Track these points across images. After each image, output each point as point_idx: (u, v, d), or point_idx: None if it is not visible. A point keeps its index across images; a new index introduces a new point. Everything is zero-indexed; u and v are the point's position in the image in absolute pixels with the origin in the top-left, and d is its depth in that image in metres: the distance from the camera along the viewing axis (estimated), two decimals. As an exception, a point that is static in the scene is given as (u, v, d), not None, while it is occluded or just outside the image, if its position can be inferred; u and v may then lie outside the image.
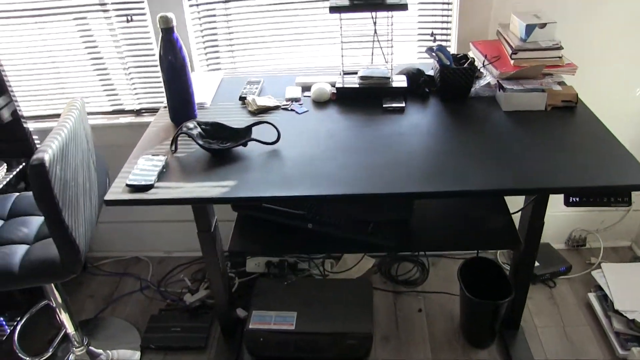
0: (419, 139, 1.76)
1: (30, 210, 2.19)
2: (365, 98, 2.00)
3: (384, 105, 1.94)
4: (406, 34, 2.33)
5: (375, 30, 2.06)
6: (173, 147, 1.78)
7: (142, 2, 2.26)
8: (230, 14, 2.30)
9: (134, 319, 2.55)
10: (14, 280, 1.88)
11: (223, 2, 2.27)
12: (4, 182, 2.32)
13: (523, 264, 2.17)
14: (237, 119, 1.93)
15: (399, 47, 2.30)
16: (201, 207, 1.90)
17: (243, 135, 1.79)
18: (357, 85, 2.01)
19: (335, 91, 2.03)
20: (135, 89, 2.48)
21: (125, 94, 2.50)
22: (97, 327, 2.53)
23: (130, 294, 2.70)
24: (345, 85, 2.02)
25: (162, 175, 1.66)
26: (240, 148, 1.76)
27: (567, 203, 1.66)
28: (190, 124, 1.77)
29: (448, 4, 2.26)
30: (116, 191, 1.63)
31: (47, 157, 1.67)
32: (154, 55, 2.38)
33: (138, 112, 2.53)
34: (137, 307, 2.62)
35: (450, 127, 1.83)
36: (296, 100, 2.02)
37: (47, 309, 2.50)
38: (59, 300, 2.22)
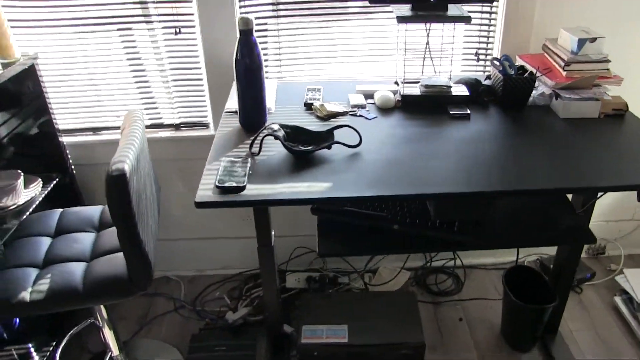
0: (490, 144, 1.83)
1: (79, 227, 2.13)
2: (428, 105, 2.07)
3: (451, 112, 2.00)
4: (449, 49, 2.41)
5: (427, 41, 2.14)
6: (257, 150, 1.77)
7: (192, 14, 2.26)
8: (280, 29, 2.34)
9: (173, 339, 2.48)
10: (79, 299, 1.82)
11: (274, 17, 2.31)
12: (40, 199, 2.23)
13: (567, 268, 2.27)
14: (308, 123, 1.94)
15: (444, 61, 2.39)
16: (264, 219, 1.87)
17: (325, 138, 1.81)
18: (421, 93, 2.07)
19: (399, 98, 2.07)
20: (175, 103, 2.46)
21: (165, 108, 2.48)
22: (135, 349, 2.44)
23: (164, 314, 2.62)
24: (411, 93, 2.07)
25: (249, 177, 1.66)
26: (322, 151, 1.78)
27: (640, 199, 1.75)
28: (274, 126, 1.77)
29: (490, 25, 2.38)
30: (205, 193, 1.60)
31: (127, 168, 1.63)
32: (199, 68, 2.38)
33: (177, 127, 2.50)
34: (174, 328, 2.55)
35: (516, 132, 1.91)
36: (362, 106, 2.06)
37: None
38: (106, 318, 2.15)
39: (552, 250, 2.80)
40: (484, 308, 2.65)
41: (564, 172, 1.66)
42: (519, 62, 2.22)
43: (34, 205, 2.18)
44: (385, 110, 2.06)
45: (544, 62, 2.16)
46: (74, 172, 2.45)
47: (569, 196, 2.05)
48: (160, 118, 2.49)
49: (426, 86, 2.07)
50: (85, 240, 2.06)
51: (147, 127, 2.50)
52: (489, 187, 1.60)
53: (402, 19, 1.97)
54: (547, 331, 2.46)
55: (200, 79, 2.41)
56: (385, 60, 2.44)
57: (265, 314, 2.49)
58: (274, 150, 1.80)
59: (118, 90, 2.44)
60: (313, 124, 1.95)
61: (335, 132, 1.83)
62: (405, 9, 2.01)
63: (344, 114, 2.01)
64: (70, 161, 2.42)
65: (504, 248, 1.82)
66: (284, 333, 2.39)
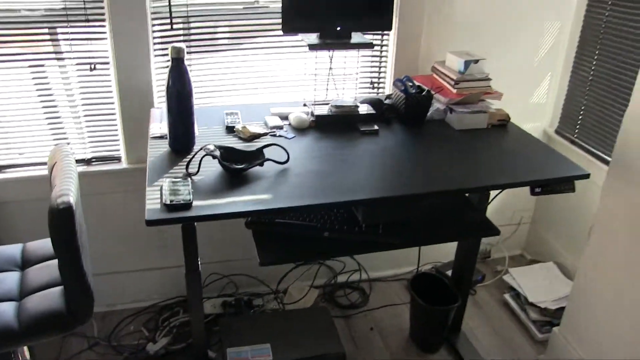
0: (400, 154, 2.07)
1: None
2: (339, 124, 2.25)
3: (361, 129, 2.20)
4: (352, 73, 2.63)
5: (331, 67, 2.33)
6: (195, 170, 1.86)
7: (107, 51, 2.32)
8: (192, 64, 2.45)
9: (91, 379, 2.44)
10: (15, 339, 1.80)
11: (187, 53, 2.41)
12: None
13: (466, 268, 2.54)
14: (233, 144, 2.03)
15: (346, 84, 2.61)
16: (193, 244, 1.92)
17: (257, 156, 1.93)
18: (332, 113, 2.25)
19: (313, 119, 2.24)
20: (87, 138, 2.47)
21: (76, 143, 2.47)
22: (56, 390, 2.38)
23: (78, 354, 2.54)
24: (324, 114, 2.25)
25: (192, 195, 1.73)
26: (255, 168, 1.89)
27: (533, 193, 2.00)
28: (210, 147, 1.87)
29: (382, 54, 2.65)
30: (153, 211, 1.67)
31: (72, 200, 1.68)
32: (112, 103, 2.42)
33: (89, 162, 2.50)
34: (91, 366, 2.50)
35: (420, 143, 2.16)
36: (279, 127, 2.20)
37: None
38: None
39: (445, 258, 3.07)
40: (391, 316, 2.84)
41: (466, 175, 1.94)
42: (411, 83, 2.48)
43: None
44: (300, 130, 2.21)
45: (433, 82, 2.42)
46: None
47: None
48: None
49: (336, 107, 2.25)
50: (9, 279, 2.03)
51: (57, 163, 2.47)
52: (406, 191, 1.83)
53: (312, 47, 2.16)
54: (451, 331, 2.67)
55: (113, 113, 2.44)
56: (291, 86, 2.63)
57: (190, 340, 2.52)
58: (208, 169, 1.89)
59: (26, 127, 2.41)
60: (238, 145, 2.05)
61: (264, 150, 1.96)
62: (313, 37, 2.20)
63: (265, 134, 2.14)
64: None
65: (423, 245, 2.03)
66: (209, 359, 2.44)
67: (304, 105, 2.37)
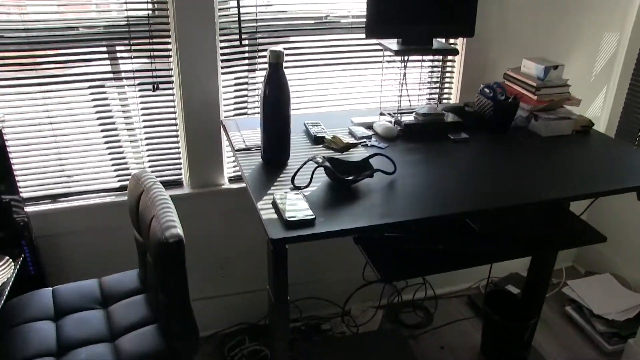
0: (497, 162, 1.97)
1: (81, 305, 1.92)
2: (426, 133, 2.15)
3: (452, 138, 2.10)
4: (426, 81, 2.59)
5: (404, 74, 2.23)
6: (306, 183, 1.72)
7: (171, 70, 2.18)
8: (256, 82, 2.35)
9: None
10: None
11: (252, 71, 2.32)
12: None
13: (541, 283, 2.48)
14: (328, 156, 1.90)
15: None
16: (284, 270, 1.71)
17: (364, 167, 1.81)
18: (420, 122, 2.15)
19: (401, 127, 2.14)
20: (146, 161, 2.31)
21: (135, 168, 2.29)
22: None
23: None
24: (412, 122, 2.15)
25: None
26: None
27: (640, 198, 1.96)
28: (319, 159, 1.74)
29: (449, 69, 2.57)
30: (275, 230, 1.51)
31: (181, 232, 1.59)
32: (175, 125, 2.27)
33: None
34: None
35: (513, 151, 2.06)
36: (368, 137, 2.08)
37: None
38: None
39: (500, 274, 3.02)
40: (457, 333, 2.75)
41: (575, 182, 1.84)
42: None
43: (8, 287, 1.88)
44: (388, 139, 2.10)
45: (506, 89, 2.33)
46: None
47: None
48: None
49: (423, 115, 2.15)
50: (95, 318, 1.87)
51: (116, 189, 2.29)
52: (520, 200, 1.72)
53: (398, 52, 2.07)
54: (524, 346, 2.57)
55: (176, 136, 2.29)
56: (364, 95, 2.54)
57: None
58: (315, 181, 1.76)
59: (84, 153, 2.21)
60: (336, 156, 1.91)
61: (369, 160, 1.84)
62: (394, 44, 2.11)
63: (357, 144, 2.02)
64: (34, 234, 2.15)
65: (534, 253, 1.95)
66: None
67: (381, 114, 2.27)
